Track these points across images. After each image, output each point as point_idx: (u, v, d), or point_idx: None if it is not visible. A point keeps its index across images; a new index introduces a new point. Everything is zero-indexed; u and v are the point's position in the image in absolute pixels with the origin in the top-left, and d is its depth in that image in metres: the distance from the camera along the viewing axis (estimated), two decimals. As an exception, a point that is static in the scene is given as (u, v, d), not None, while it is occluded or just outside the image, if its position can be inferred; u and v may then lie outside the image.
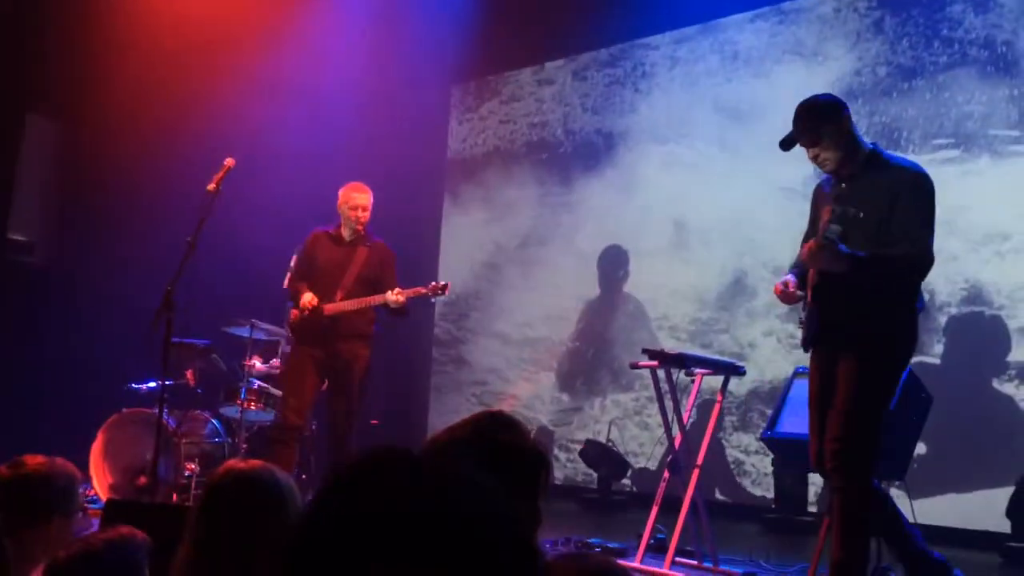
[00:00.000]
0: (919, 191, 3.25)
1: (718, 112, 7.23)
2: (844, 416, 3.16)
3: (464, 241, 8.68)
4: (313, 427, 6.16)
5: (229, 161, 4.46)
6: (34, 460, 2.20)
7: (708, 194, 7.15)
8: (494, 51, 8.09)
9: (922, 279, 3.30)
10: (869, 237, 3.19)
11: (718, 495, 6.64)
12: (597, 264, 7.80)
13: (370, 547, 0.73)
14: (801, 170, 6.68)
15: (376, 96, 7.76)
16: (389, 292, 4.78)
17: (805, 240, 3.54)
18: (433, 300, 5.00)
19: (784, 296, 3.41)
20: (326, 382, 4.98)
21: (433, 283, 4.89)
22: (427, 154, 8.76)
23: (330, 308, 4.86)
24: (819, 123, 3.30)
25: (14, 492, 2.10)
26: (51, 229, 6.86)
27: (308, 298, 4.82)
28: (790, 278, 3.43)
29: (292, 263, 5.14)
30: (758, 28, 7.13)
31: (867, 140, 3.43)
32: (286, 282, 5.12)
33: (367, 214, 4.96)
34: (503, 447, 1.57)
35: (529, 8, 7.58)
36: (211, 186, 4.38)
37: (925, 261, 3.23)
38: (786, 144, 3.38)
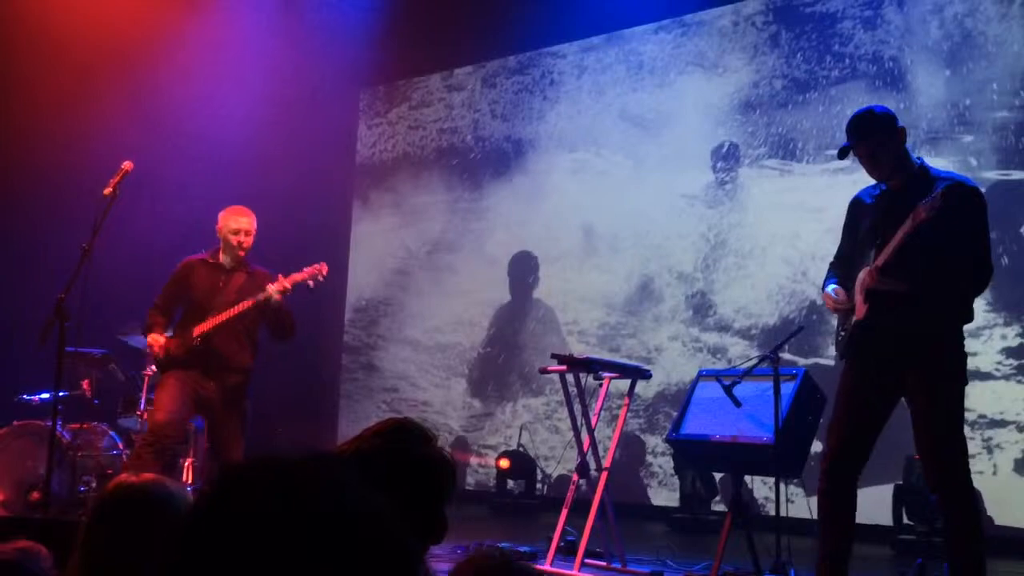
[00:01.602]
0: (974, 205, 3.29)
1: (624, 120, 7.38)
2: (945, 443, 3.21)
3: (374, 247, 8.62)
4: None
5: (127, 164, 4.32)
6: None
7: (616, 201, 7.28)
8: (403, 56, 8.08)
9: (983, 291, 3.38)
10: (928, 250, 3.21)
11: (624, 497, 6.76)
12: (507, 270, 7.85)
13: (233, 554, 0.74)
14: (702, 178, 6.89)
15: (283, 100, 7.64)
16: (269, 285, 4.46)
17: (842, 252, 3.57)
18: (312, 286, 4.54)
19: (836, 303, 3.43)
20: (201, 417, 4.74)
21: (308, 266, 4.54)
22: (336, 160, 8.67)
23: (198, 328, 4.52)
24: (877, 132, 3.32)
25: None
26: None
27: (155, 339, 4.52)
28: (838, 287, 3.45)
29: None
30: (662, 39, 7.31)
31: (914, 155, 3.48)
32: (150, 310, 4.68)
33: (250, 239, 4.64)
34: (409, 457, 1.59)
35: (438, 14, 7.59)
36: (107, 190, 4.24)
37: (985, 272, 3.29)
38: (843, 153, 3.41)
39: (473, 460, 7.60)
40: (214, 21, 7.17)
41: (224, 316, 4.50)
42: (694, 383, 4.49)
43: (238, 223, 4.64)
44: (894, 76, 6.21)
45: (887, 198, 3.42)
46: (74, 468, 5.09)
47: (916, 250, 3.20)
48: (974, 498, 3.34)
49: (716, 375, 4.30)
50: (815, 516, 4.53)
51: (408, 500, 1.49)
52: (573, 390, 4.56)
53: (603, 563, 4.47)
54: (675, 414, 5.18)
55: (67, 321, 4.09)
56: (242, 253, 4.65)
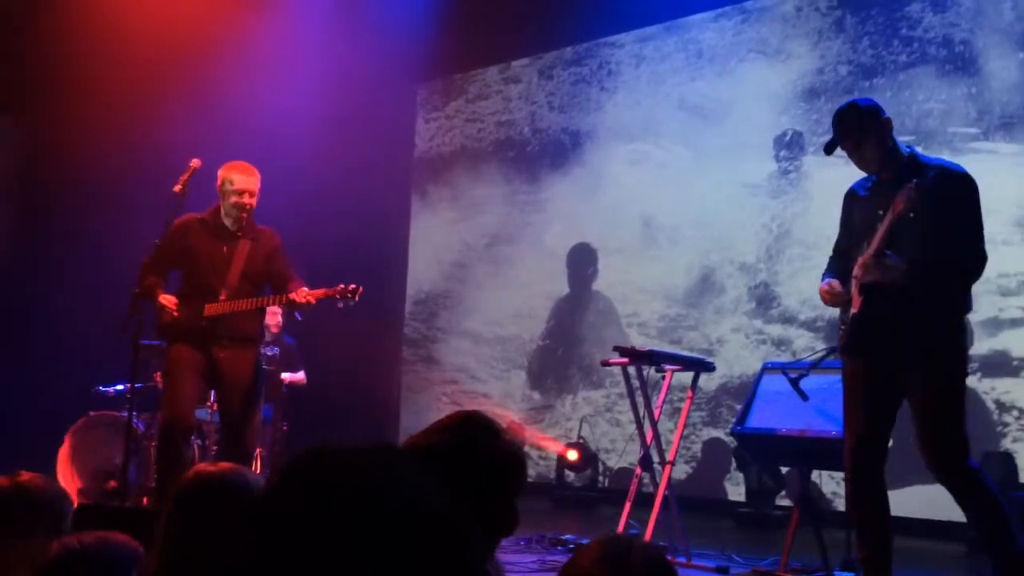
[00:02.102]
0: (964, 192, 3.27)
1: (683, 110, 7.29)
2: (941, 432, 3.19)
3: (433, 240, 8.67)
4: (285, 427, 6.13)
5: (195, 162, 4.39)
6: (28, 475, 2.19)
7: (675, 191, 7.21)
8: (460, 50, 8.09)
9: (976, 280, 3.32)
10: (921, 239, 3.19)
11: (689, 490, 6.70)
12: (566, 262, 7.83)
13: (294, 547, 0.75)
14: (764, 167, 6.78)
15: (341, 97, 7.72)
16: (294, 292, 4.16)
17: (839, 245, 3.55)
18: (340, 306, 4.19)
19: (833, 297, 3.40)
20: (212, 392, 4.54)
21: (342, 285, 4.18)
22: (394, 154, 8.74)
23: (211, 309, 4.25)
24: (864, 123, 3.31)
25: (4, 503, 2.09)
26: (15, 231, 6.75)
27: (170, 300, 4.23)
28: (834, 281, 3.42)
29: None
30: (722, 27, 7.20)
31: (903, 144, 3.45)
32: (139, 275, 4.33)
33: (254, 200, 4.28)
34: (480, 451, 1.59)
35: (495, 6, 7.59)
36: (177, 187, 4.32)
37: (979, 262, 3.25)
38: (830, 148, 3.40)
39: (544, 444, 7.58)
40: (273, 19, 7.28)
41: (241, 306, 4.27)
42: (759, 376, 4.43)
43: (245, 182, 4.28)
44: (965, 60, 6.03)
45: (878, 189, 3.38)
46: (148, 457, 5.23)
47: (904, 239, 3.17)
48: (981, 478, 3.25)
49: (782, 368, 4.24)
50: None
51: (479, 494, 1.50)
52: (635, 383, 4.53)
53: (668, 557, 4.44)
54: (739, 407, 5.11)
55: (142, 316, 4.20)
56: (245, 215, 4.32)
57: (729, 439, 6.31)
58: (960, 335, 3.30)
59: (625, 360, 4.49)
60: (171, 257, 4.34)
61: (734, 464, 6.49)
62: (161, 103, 6.71)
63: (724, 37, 7.17)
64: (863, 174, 3.48)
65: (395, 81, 8.36)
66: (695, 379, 4.58)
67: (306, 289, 4.20)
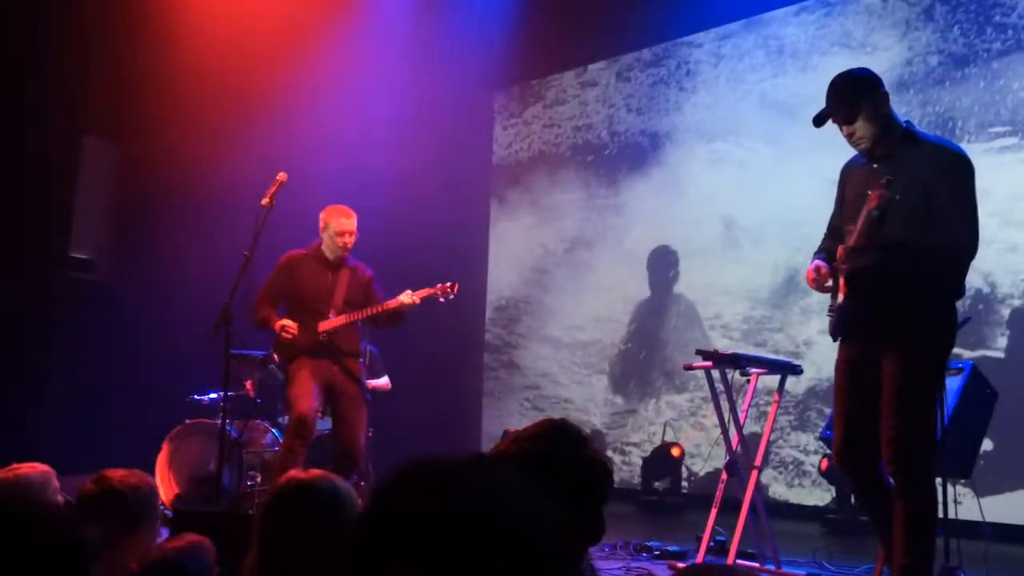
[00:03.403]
0: (959, 173, 3.10)
1: (765, 108, 7.15)
2: (898, 417, 3.04)
3: (512, 246, 8.71)
4: (370, 433, 6.24)
5: (281, 176, 4.55)
6: (116, 474, 2.30)
7: (757, 191, 7.07)
8: (536, 55, 8.11)
9: (967, 265, 3.12)
10: (906, 220, 3.04)
11: (778, 495, 6.56)
12: (646, 265, 7.76)
13: (409, 549, 0.77)
14: (853, 163, 6.59)
15: (420, 105, 7.83)
16: (402, 294, 4.73)
17: (833, 223, 3.42)
18: (442, 300, 4.81)
19: (817, 282, 3.26)
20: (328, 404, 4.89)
21: (440, 284, 4.78)
22: (473, 160, 8.81)
23: (325, 325, 4.79)
24: (856, 98, 3.14)
25: (107, 506, 2.19)
26: (111, 246, 7.05)
27: (288, 323, 4.73)
28: (820, 263, 3.28)
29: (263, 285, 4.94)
30: (803, 21, 7.04)
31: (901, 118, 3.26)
32: (252, 306, 4.87)
33: (354, 239, 4.86)
34: (567, 462, 1.60)
35: (570, 11, 7.59)
36: (265, 200, 4.47)
37: (969, 247, 3.07)
38: (819, 120, 3.22)
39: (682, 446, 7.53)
40: (353, 32, 7.43)
41: (354, 317, 4.79)
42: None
43: (345, 225, 4.82)
44: (1065, 44, 5.75)
45: (870, 167, 3.20)
46: (241, 464, 5.38)
47: (891, 221, 3.00)
48: (934, 492, 3.08)
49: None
50: (985, 518, 4.27)
51: (566, 502, 1.50)
52: (719, 386, 4.45)
53: (756, 564, 4.35)
54: (828, 411, 4.98)
55: (232, 325, 4.34)
56: (346, 253, 4.88)
57: (819, 443, 6.15)
58: (945, 323, 3.12)
59: (708, 364, 4.42)
60: (282, 287, 4.89)
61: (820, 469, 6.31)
62: (246, 119, 6.91)
63: (806, 32, 7.01)
64: (839, 151, 3.36)
65: (472, 89, 8.43)
66: (782, 382, 4.48)
67: (410, 291, 4.75)
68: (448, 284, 4.78)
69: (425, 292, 4.75)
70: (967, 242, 3.07)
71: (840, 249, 3.15)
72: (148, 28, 6.76)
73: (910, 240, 3.04)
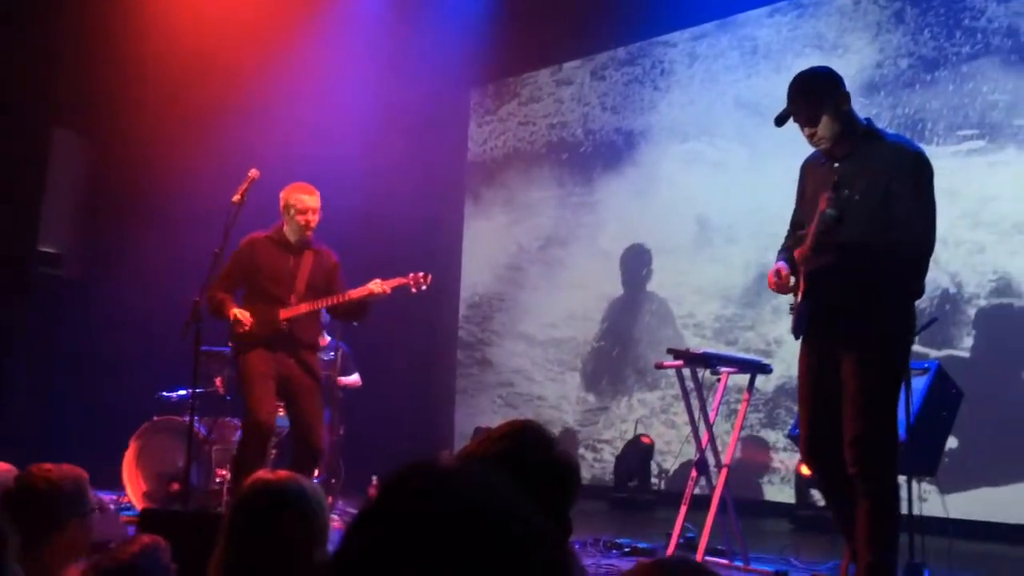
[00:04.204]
0: (917, 171, 3.09)
1: (739, 108, 7.20)
2: (859, 416, 3.04)
3: (486, 243, 8.70)
4: (341, 432, 6.21)
5: (253, 172, 4.50)
6: (40, 469, 2.24)
7: (730, 190, 7.12)
8: (511, 53, 8.11)
9: (924, 264, 3.14)
10: (867, 220, 3.04)
11: (746, 493, 6.62)
12: (620, 263, 7.79)
13: (407, 553, 0.77)
14: (824, 164, 6.65)
15: (394, 101, 7.81)
16: (371, 283, 4.42)
17: (795, 218, 3.43)
18: (414, 291, 4.53)
19: (779, 286, 3.28)
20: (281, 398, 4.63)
21: (412, 273, 4.53)
22: (447, 158, 8.80)
23: (286, 312, 4.48)
24: (820, 98, 3.12)
25: (25, 505, 2.14)
26: (80, 241, 6.96)
27: (243, 314, 4.41)
28: (782, 265, 3.29)
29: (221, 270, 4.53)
30: (777, 22, 7.09)
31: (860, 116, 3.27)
32: (207, 291, 4.46)
33: (317, 217, 4.53)
34: (535, 463, 1.60)
35: (545, 9, 7.59)
36: (236, 197, 4.42)
37: (928, 245, 3.09)
38: (780, 120, 3.22)
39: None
40: (326, 27, 7.39)
41: (318, 304, 4.51)
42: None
43: (307, 202, 4.51)
44: (1032, 49, 5.83)
45: (828, 166, 3.21)
46: (210, 461, 5.35)
47: (850, 219, 3.01)
48: (896, 490, 3.12)
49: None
50: (950, 515, 4.34)
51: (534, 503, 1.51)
52: (690, 384, 4.48)
53: (725, 561, 4.39)
54: (797, 409, 5.03)
55: (201, 322, 4.30)
56: (309, 233, 4.55)
57: (787, 441, 6.21)
58: (904, 322, 3.14)
59: (680, 363, 4.45)
60: (239, 274, 4.58)
61: (793, 466, 6.38)
62: (217, 113, 6.86)
63: (779, 32, 7.06)
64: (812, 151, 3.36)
65: (448, 86, 8.41)
66: (751, 381, 4.52)
67: (380, 280, 4.45)
68: (421, 274, 4.54)
69: (396, 281, 4.48)
70: (925, 241, 3.09)
71: (797, 251, 3.18)
72: (120, 21, 6.69)
73: (868, 240, 3.05)
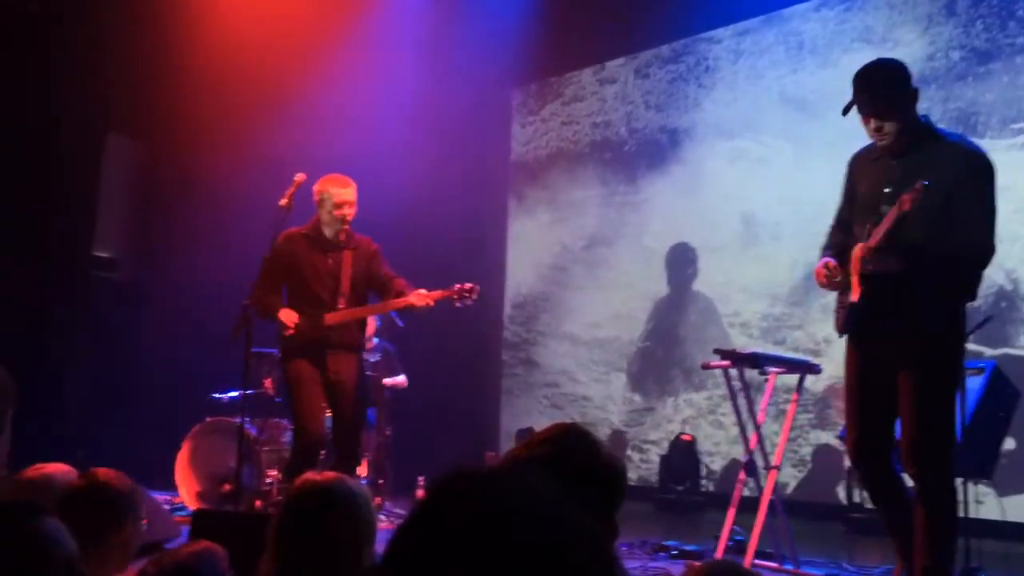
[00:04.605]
0: (981, 174, 3.03)
1: (785, 104, 7.10)
2: (918, 419, 3.02)
3: (530, 243, 8.70)
4: (387, 432, 6.27)
5: (299, 176, 4.49)
6: (103, 471, 2.32)
7: (776, 188, 7.03)
8: (554, 52, 8.10)
9: (983, 269, 3.10)
10: (930, 222, 2.98)
11: (796, 495, 6.52)
12: (665, 262, 7.73)
13: (454, 556, 0.77)
14: (873, 160, 6.53)
15: (438, 102, 7.84)
16: (413, 295, 4.28)
17: (841, 215, 3.36)
18: (459, 305, 4.33)
19: (829, 280, 3.21)
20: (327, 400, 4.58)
21: (458, 285, 4.32)
22: (491, 158, 8.82)
23: (332, 318, 4.38)
24: (896, 92, 3.05)
25: (95, 500, 2.21)
26: (134, 245, 7.12)
27: (291, 315, 4.36)
28: (830, 260, 3.23)
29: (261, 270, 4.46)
30: (824, 17, 6.98)
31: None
32: (252, 294, 4.42)
33: (354, 210, 4.37)
34: (580, 466, 1.60)
35: (588, 7, 7.57)
36: (283, 201, 4.45)
37: (987, 250, 3.04)
38: (847, 110, 3.13)
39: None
40: (370, 29, 7.45)
41: (363, 312, 4.44)
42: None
43: (344, 195, 4.36)
44: (1090, 38, 5.67)
45: (887, 160, 3.12)
46: (260, 461, 5.42)
47: (911, 222, 2.94)
48: (954, 493, 3.06)
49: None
50: (1007, 518, 4.23)
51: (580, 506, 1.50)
52: (737, 385, 4.43)
53: (775, 564, 4.33)
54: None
55: (252, 324, 4.36)
56: (346, 226, 4.42)
57: (838, 443, 6.11)
58: (957, 324, 3.10)
59: (727, 363, 4.39)
60: (280, 272, 4.46)
61: (844, 467, 6.27)
62: (265, 117, 6.95)
63: (827, 27, 6.95)
64: (859, 147, 3.29)
65: (491, 86, 8.43)
66: (800, 381, 4.45)
67: (424, 291, 4.30)
68: (467, 286, 4.31)
69: (439, 294, 4.30)
70: (989, 246, 3.04)
71: (860, 248, 3.11)
72: (171, 25, 6.82)
73: (931, 242, 3.00)
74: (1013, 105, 5.94)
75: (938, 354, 3.06)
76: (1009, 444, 4.97)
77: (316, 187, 4.46)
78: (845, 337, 3.30)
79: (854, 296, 3.13)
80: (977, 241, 3.02)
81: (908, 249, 3.00)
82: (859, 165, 3.31)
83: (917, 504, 3.05)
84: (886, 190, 3.08)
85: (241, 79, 6.95)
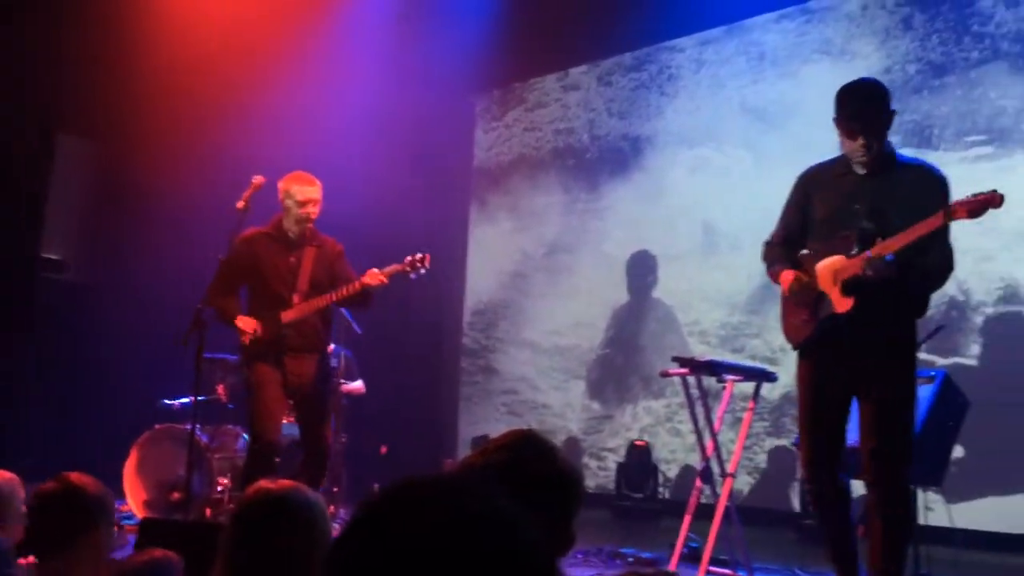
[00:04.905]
0: (945, 196, 3.12)
1: (746, 114, 7.17)
2: (884, 431, 3.09)
3: (491, 250, 8.68)
4: (343, 440, 6.19)
5: (257, 179, 4.43)
6: (75, 475, 2.31)
7: (737, 197, 7.09)
8: (518, 59, 8.10)
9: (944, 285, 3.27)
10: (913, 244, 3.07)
11: (751, 501, 6.57)
12: (626, 270, 7.76)
13: (396, 564, 0.76)
14: (830, 171, 6.62)
15: (400, 107, 7.80)
16: (366, 275, 4.24)
17: (788, 231, 3.42)
18: (413, 277, 4.31)
19: (801, 290, 3.24)
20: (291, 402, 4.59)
21: (409, 257, 4.29)
22: (453, 164, 8.79)
23: (288, 315, 4.31)
24: (885, 114, 3.16)
25: (67, 503, 2.19)
26: (83, 247, 6.96)
27: (249, 322, 4.31)
28: (800, 273, 3.28)
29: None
30: (784, 28, 7.06)
31: None
32: (207, 296, 4.35)
33: (318, 208, 4.33)
34: (537, 473, 1.57)
35: (552, 15, 7.57)
36: (240, 204, 4.38)
37: (951, 269, 3.19)
38: (843, 120, 3.21)
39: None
40: (333, 32, 7.39)
41: (317, 304, 4.33)
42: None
43: (308, 193, 4.32)
44: (1040, 55, 5.80)
45: (855, 180, 3.20)
46: (211, 469, 5.32)
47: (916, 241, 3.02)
48: (912, 502, 3.23)
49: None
50: (956, 525, 4.30)
51: (535, 514, 1.48)
52: (695, 392, 4.45)
53: (729, 571, 4.35)
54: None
55: (205, 329, 4.28)
56: (309, 225, 4.37)
57: (793, 450, 6.16)
58: (915, 337, 3.22)
59: (685, 371, 4.41)
60: (239, 273, 4.41)
61: (798, 475, 6.33)
62: (222, 119, 6.86)
63: (787, 38, 7.04)
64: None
65: (454, 92, 8.41)
66: (757, 389, 4.48)
67: (375, 270, 4.25)
68: (418, 256, 4.28)
69: (392, 268, 4.27)
70: (952, 265, 3.17)
71: (857, 259, 3.09)
72: (125, 25, 6.69)
73: (904, 262, 3.07)
74: (967, 118, 6.06)
75: (905, 367, 3.15)
76: (958, 452, 5.05)
77: (280, 184, 4.41)
78: (792, 347, 3.36)
79: (839, 308, 3.15)
80: (947, 260, 3.14)
81: (904, 263, 3.06)
82: (815, 183, 3.36)
83: (873, 512, 3.11)
84: (856, 206, 3.15)
85: (199, 82, 6.85)
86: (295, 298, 4.35)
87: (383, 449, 7.12)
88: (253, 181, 4.44)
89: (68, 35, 6.50)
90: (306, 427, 4.49)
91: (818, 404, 3.25)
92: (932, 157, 6.20)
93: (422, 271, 4.32)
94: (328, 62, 7.28)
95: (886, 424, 3.08)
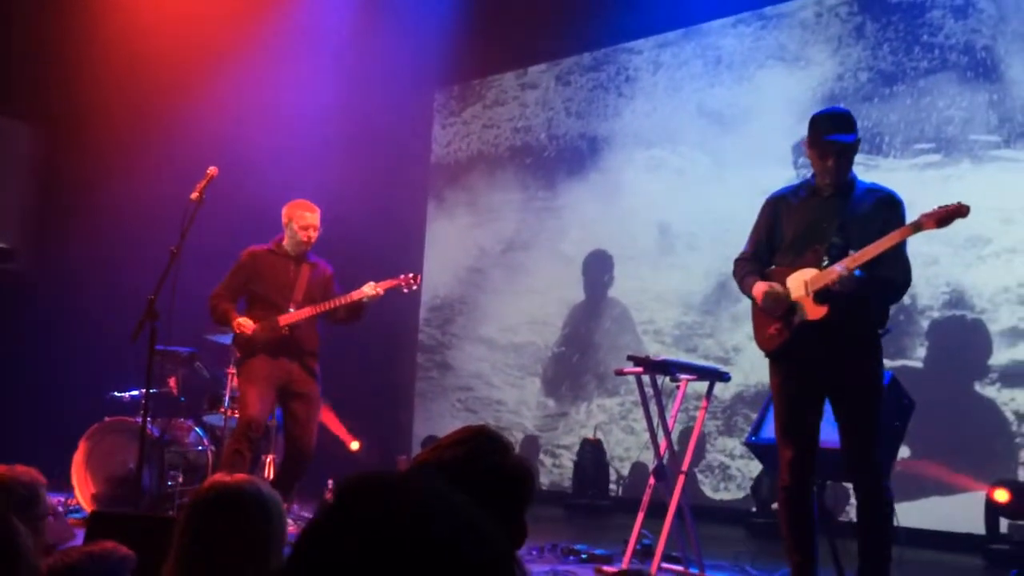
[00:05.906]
0: (903, 215, 3.36)
1: (702, 116, 7.26)
2: (867, 433, 3.30)
3: (449, 246, 8.67)
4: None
5: (212, 170, 4.44)
6: (3, 467, 2.20)
7: (693, 198, 7.18)
8: (477, 55, 8.10)
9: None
10: (872, 261, 3.27)
11: (703, 499, 6.66)
12: (582, 269, 7.81)
13: (356, 563, 0.77)
14: (783, 174, 6.73)
15: (359, 101, 7.74)
16: (365, 286, 4.72)
17: (760, 250, 3.57)
18: (406, 291, 4.88)
19: (775, 302, 3.39)
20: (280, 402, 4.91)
21: (403, 275, 4.85)
22: (411, 159, 8.75)
23: (286, 318, 4.76)
24: (855, 130, 3.44)
25: None
26: (31, 235, 6.80)
27: (246, 322, 4.71)
28: (774, 284, 3.43)
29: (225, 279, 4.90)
30: (740, 33, 7.17)
31: None
32: (215, 293, 4.85)
33: (317, 233, 4.87)
34: (490, 468, 1.59)
35: (512, 12, 7.59)
36: (194, 195, 4.36)
37: (908, 283, 3.41)
38: (828, 143, 3.41)
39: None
40: (291, 25, 7.31)
41: (317, 310, 4.76)
42: (775, 386, 4.39)
43: (309, 219, 4.84)
44: (987, 66, 5.97)
45: (821, 201, 3.43)
46: (162, 463, 5.24)
47: (879, 257, 3.25)
48: (892, 498, 3.38)
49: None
50: (900, 524, 4.42)
51: (488, 509, 1.49)
52: (649, 391, 4.50)
53: (680, 568, 4.41)
54: (754, 416, 5.07)
55: (156, 321, 4.22)
56: (308, 247, 4.88)
57: (744, 449, 6.27)
58: (879, 340, 3.43)
59: (639, 369, 4.46)
60: (243, 282, 4.87)
61: (750, 473, 6.44)
62: (178, 109, 6.74)
63: (743, 43, 7.14)
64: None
65: (412, 86, 8.37)
66: (710, 388, 4.55)
67: (372, 283, 4.74)
68: (411, 275, 4.85)
69: (388, 283, 4.77)
70: (910, 278, 3.40)
71: (836, 270, 3.25)
72: (74, 7, 6.55)
73: (871, 276, 3.27)
74: (915, 126, 6.21)
75: (874, 372, 3.35)
76: (904, 453, 5.19)
77: (285, 210, 4.89)
78: (765, 354, 3.51)
79: (813, 316, 3.32)
80: (906, 274, 3.36)
81: (872, 279, 3.27)
82: (783, 206, 3.55)
83: (859, 511, 3.34)
84: (824, 224, 3.37)
85: (152, 71, 6.72)
86: (291, 306, 4.80)
87: (358, 446, 7.16)
88: (207, 172, 4.44)
89: (14, 18, 6.34)
90: (292, 427, 4.77)
91: (793, 407, 3.40)
92: (882, 164, 6.38)
93: (414, 287, 4.88)
94: (287, 54, 7.21)
95: (866, 427, 3.29)
